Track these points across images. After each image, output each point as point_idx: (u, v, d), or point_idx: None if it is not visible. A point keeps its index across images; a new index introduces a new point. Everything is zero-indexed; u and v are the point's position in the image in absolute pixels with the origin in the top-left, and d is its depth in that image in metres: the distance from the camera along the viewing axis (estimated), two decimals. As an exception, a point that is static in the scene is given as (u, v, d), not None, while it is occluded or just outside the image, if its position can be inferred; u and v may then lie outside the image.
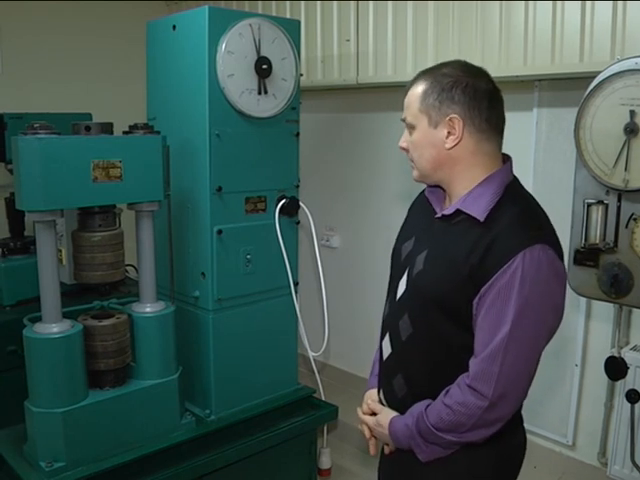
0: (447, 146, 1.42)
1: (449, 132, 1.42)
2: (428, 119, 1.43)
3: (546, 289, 1.35)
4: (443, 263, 1.43)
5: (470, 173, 1.44)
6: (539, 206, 1.49)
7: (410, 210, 1.71)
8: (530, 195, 1.51)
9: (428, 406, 1.45)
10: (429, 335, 1.46)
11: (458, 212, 1.44)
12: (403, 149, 1.52)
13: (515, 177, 1.50)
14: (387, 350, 1.58)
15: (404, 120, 1.50)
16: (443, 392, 1.43)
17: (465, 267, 1.37)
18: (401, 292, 1.54)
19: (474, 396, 1.36)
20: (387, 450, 1.62)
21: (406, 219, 1.70)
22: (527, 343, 1.36)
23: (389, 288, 1.63)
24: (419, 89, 1.44)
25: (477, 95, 1.41)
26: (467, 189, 1.44)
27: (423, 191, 1.64)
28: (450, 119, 1.40)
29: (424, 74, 1.47)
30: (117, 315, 2.19)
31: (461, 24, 2.68)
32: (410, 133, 1.49)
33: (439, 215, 1.50)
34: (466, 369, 1.41)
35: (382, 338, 1.61)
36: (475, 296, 1.37)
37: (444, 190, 1.54)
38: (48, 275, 2.01)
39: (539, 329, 1.38)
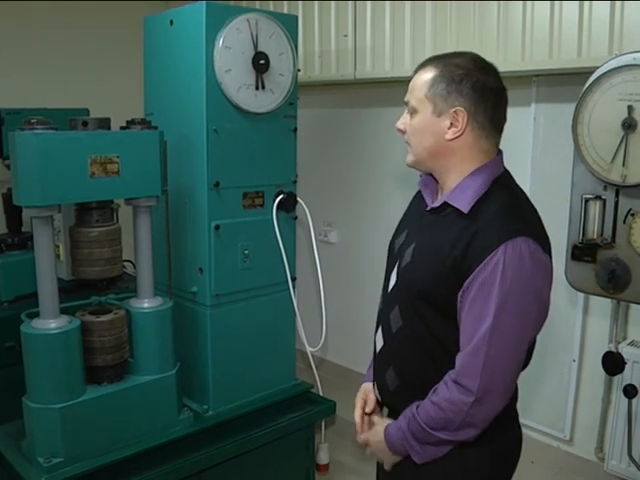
0: (447, 137, 1.42)
1: (452, 124, 1.41)
2: (433, 107, 1.42)
3: (529, 282, 1.35)
4: (429, 256, 1.44)
5: (463, 167, 1.45)
6: (527, 199, 1.49)
7: (410, 204, 1.71)
8: (519, 188, 1.50)
9: (419, 406, 1.45)
10: (417, 328, 1.47)
11: (446, 205, 1.45)
12: (400, 130, 1.52)
13: (506, 170, 1.50)
14: (379, 343, 1.60)
15: (407, 103, 1.49)
16: (432, 390, 1.43)
17: (448, 260, 1.37)
18: (392, 285, 1.55)
19: (459, 391, 1.36)
20: (387, 467, 1.58)
21: (404, 213, 1.70)
22: (510, 336, 1.35)
23: (384, 281, 1.64)
24: (428, 75, 1.43)
25: (485, 92, 1.40)
26: (457, 182, 1.45)
27: None
28: (455, 111, 1.40)
29: (435, 60, 1.45)
30: (115, 311, 2.18)
31: (459, 19, 2.68)
32: (411, 117, 1.48)
33: (429, 208, 1.51)
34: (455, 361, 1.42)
35: (375, 331, 1.63)
36: (459, 290, 1.37)
37: (437, 181, 1.54)
38: (46, 271, 2.00)
39: (522, 322, 1.37)
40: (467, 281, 1.35)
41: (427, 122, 1.44)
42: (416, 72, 1.48)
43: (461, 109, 1.39)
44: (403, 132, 1.51)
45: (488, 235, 1.34)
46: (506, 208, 1.40)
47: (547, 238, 1.43)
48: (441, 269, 1.39)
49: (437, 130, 1.43)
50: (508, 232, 1.33)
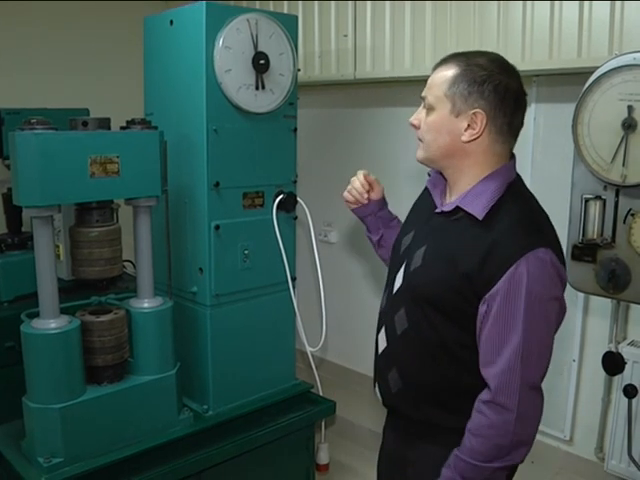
0: (464, 139, 1.40)
1: (469, 125, 1.39)
2: (452, 106, 1.40)
3: (552, 293, 1.35)
4: (440, 262, 1.42)
5: (475, 170, 1.43)
6: (540, 207, 1.47)
7: (415, 202, 1.69)
8: (532, 195, 1.49)
9: (459, 448, 1.40)
10: (423, 331, 1.45)
11: (457, 209, 1.43)
12: (413, 126, 1.49)
13: (518, 175, 1.48)
14: (382, 344, 1.58)
15: (423, 98, 1.46)
16: (467, 425, 1.39)
17: (462, 268, 1.36)
18: (398, 286, 1.54)
19: (498, 412, 1.34)
20: None
21: (410, 211, 1.69)
22: (540, 348, 1.36)
23: (387, 280, 1.62)
24: (449, 72, 1.40)
25: (507, 96, 1.38)
26: (469, 185, 1.43)
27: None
28: (474, 113, 1.38)
29: (457, 58, 1.43)
30: (115, 311, 2.19)
31: (459, 19, 2.68)
32: (427, 113, 1.45)
33: (439, 210, 1.49)
34: (460, 364, 1.41)
35: (378, 332, 1.60)
36: (479, 301, 1.35)
37: (446, 180, 1.52)
38: (46, 271, 2.00)
39: (550, 333, 1.38)
40: (489, 294, 1.33)
41: (444, 121, 1.41)
42: (436, 68, 1.45)
43: (480, 111, 1.37)
44: (417, 128, 1.48)
45: (508, 247, 1.33)
46: (523, 217, 1.39)
47: (560, 246, 1.42)
48: (453, 276, 1.38)
49: (453, 130, 1.40)
50: (529, 243, 1.32)
